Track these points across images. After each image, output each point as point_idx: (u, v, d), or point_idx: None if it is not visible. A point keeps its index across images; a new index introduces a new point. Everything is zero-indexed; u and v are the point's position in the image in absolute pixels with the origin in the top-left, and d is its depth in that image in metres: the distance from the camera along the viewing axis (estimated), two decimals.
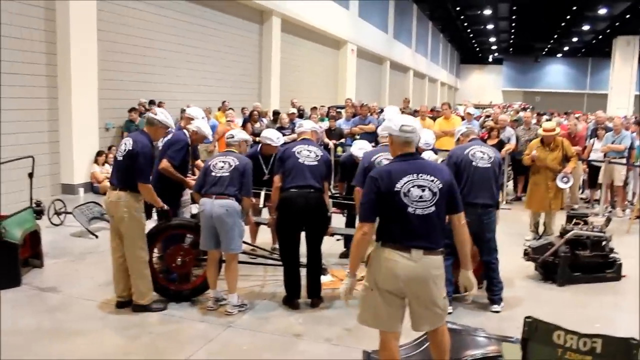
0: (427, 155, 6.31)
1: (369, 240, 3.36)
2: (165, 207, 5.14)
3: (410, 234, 3.27)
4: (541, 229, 7.96)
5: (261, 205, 6.48)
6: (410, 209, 3.26)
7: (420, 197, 3.28)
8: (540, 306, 5.48)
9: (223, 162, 5.20)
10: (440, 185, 3.32)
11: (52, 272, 6.20)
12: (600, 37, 43.35)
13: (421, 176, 3.31)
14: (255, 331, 4.76)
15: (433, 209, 3.29)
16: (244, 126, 11.77)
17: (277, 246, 6.47)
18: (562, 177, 7.72)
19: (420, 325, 3.45)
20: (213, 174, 5.14)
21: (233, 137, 5.51)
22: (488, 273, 5.41)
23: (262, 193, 6.23)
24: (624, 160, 10.11)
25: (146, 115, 5.30)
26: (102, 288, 5.66)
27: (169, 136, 5.83)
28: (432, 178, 3.32)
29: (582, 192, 11.84)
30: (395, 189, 3.27)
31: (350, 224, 6.80)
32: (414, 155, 3.45)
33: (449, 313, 5.09)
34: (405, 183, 3.29)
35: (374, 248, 3.41)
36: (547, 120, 13.11)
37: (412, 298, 3.34)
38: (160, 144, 5.89)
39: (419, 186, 3.29)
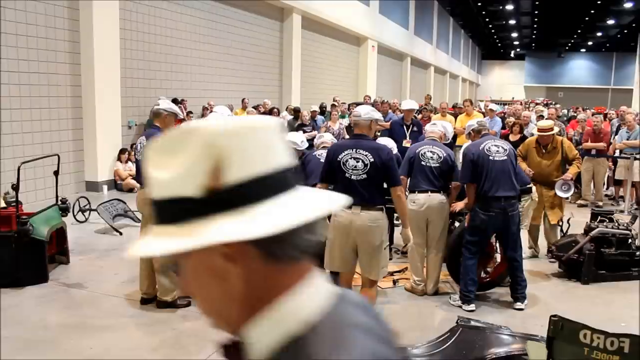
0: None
1: None
2: None
3: (350, 194, 3.73)
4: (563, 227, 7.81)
5: None
6: (347, 175, 4.29)
7: (355, 166, 4.28)
8: (565, 304, 5.43)
9: None
10: (372, 160, 4.26)
11: (78, 268, 6.29)
12: (625, 31, 42.62)
13: (358, 151, 4.31)
14: None
15: (365, 176, 4.26)
16: None
17: None
18: (562, 185, 6.69)
19: (364, 270, 4.43)
20: None
21: None
22: (512, 271, 5.37)
23: None
24: None
25: (152, 109, 5.35)
26: (127, 284, 5.73)
27: None
28: (367, 154, 4.28)
29: (607, 189, 11.68)
30: (338, 159, 4.33)
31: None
32: (360, 136, 4.43)
33: (472, 311, 5.10)
34: (344, 155, 4.32)
35: None
36: (563, 116, 12.74)
37: (358, 244, 4.33)
38: None
39: (355, 158, 4.29)
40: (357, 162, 4.26)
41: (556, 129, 7.07)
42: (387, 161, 4.31)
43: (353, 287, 4.77)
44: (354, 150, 4.31)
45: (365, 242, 4.30)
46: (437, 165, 5.51)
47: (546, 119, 11.24)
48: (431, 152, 5.59)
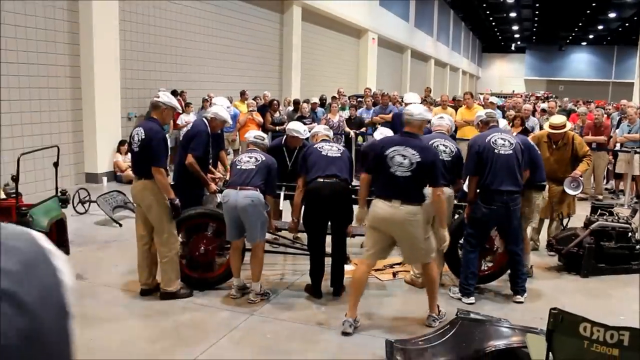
0: (502, 124, 6.01)
1: (368, 183, 4.65)
2: (177, 201, 5.04)
3: (392, 188, 4.44)
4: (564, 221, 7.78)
5: (281, 207, 6.50)
6: (391, 170, 4.42)
7: (401, 163, 4.41)
8: (564, 297, 5.44)
9: (249, 157, 5.27)
10: (419, 159, 4.39)
11: (78, 259, 6.28)
12: (627, 24, 42.53)
13: (406, 149, 4.43)
14: (278, 319, 4.79)
15: (409, 174, 4.39)
16: (263, 115, 11.77)
17: (299, 235, 6.49)
18: (571, 182, 6.52)
19: (406, 259, 4.90)
20: (238, 167, 5.20)
21: (263, 139, 5.56)
22: (512, 264, 5.36)
23: (282, 193, 6.24)
24: None
25: (151, 101, 5.32)
26: (126, 275, 5.74)
27: (189, 126, 5.85)
28: (414, 152, 4.41)
29: (607, 183, 11.67)
30: (385, 154, 4.45)
31: None
32: (410, 134, 4.56)
33: (471, 303, 5.11)
34: (392, 151, 4.45)
35: (373, 199, 4.60)
36: (561, 111, 12.24)
37: (396, 236, 4.53)
38: (180, 135, 5.92)
39: (402, 155, 4.42)
40: (404, 159, 4.40)
41: (569, 125, 6.85)
42: (433, 162, 4.46)
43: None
44: (403, 147, 4.43)
45: (403, 234, 4.48)
46: (449, 159, 5.42)
47: (548, 111, 11.23)
48: (444, 145, 5.48)
